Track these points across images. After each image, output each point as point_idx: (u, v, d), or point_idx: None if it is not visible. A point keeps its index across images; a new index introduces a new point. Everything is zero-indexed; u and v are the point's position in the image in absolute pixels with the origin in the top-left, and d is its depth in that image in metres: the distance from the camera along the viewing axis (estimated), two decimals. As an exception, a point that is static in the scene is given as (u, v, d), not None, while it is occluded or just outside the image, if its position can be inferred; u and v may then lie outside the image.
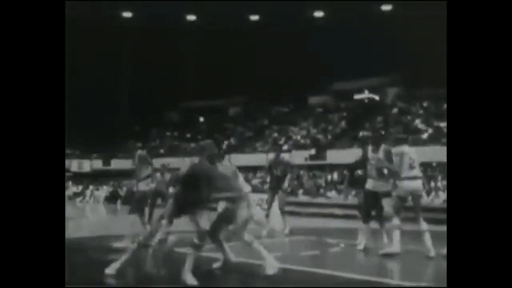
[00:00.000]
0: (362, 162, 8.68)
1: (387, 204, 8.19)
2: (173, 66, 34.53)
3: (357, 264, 7.82)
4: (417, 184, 8.09)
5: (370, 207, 8.48)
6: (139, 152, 10.43)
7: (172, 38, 34.19)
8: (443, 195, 18.04)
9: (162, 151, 32.21)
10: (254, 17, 34.05)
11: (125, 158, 33.78)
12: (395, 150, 8.17)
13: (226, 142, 31.65)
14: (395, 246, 7.90)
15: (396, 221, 8.01)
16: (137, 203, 9.96)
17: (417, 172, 8.05)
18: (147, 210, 9.82)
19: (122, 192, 27.05)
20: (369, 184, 8.40)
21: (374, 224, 8.65)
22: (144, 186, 10.00)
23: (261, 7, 32.19)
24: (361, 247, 8.47)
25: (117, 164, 31.87)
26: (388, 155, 8.14)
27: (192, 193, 6.11)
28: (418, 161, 8.12)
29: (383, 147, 8.39)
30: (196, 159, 6.25)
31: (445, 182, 19.22)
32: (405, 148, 8.09)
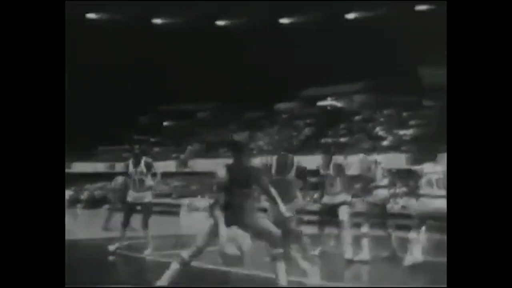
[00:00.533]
0: (324, 169, 8.80)
1: (343, 212, 8.39)
2: (142, 69, 34.27)
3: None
4: (387, 192, 8.44)
5: (326, 214, 8.64)
6: (145, 158, 9.82)
7: (141, 41, 33.97)
8: (401, 202, 18.50)
9: (127, 154, 31.91)
10: (222, 22, 34.11)
11: (86, 161, 33.48)
12: (369, 158, 8.46)
13: (189, 147, 31.61)
14: (364, 253, 8.11)
15: (365, 228, 8.25)
16: (145, 216, 9.56)
17: (387, 181, 8.36)
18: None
19: (84, 196, 26.79)
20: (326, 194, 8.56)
21: (334, 230, 8.80)
22: (149, 197, 9.63)
23: (231, 12, 32.30)
24: (315, 252, 8.63)
25: (78, 167, 31.53)
26: (339, 167, 8.35)
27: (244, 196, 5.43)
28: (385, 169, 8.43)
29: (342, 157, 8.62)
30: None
31: (404, 189, 19.64)
32: (378, 157, 8.36)
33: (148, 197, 9.71)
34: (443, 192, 7.25)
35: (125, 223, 9.64)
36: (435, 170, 7.49)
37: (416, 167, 7.79)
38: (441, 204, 7.02)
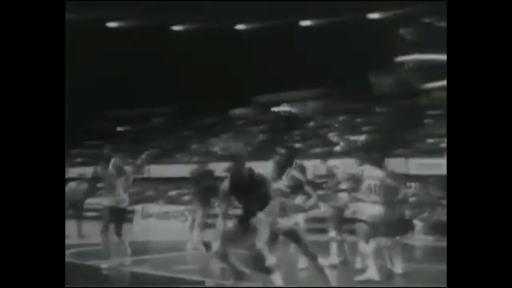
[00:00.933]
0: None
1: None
2: (96, 74, 33.72)
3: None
4: (347, 196, 8.63)
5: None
6: (114, 159, 9.30)
7: (94, 44, 33.43)
8: (352, 207, 18.87)
9: (79, 160, 31.41)
10: (178, 27, 33.92)
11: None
12: (329, 164, 8.63)
13: (145, 153, 31.26)
14: (332, 258, 8.26)
15: (332, 233, 8.41)
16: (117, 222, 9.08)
17: (347, 185, 8.55)
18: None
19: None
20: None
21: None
22: (125, 203, 9.16)
23: (187, 19, 32.18)
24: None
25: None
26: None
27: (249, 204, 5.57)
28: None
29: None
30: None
31: (354, 194, 20.06)
32: (336, 162, 8.52)
33: (123, 203, 9.32)
34: (379, 198, 7.42)
35: (105, 230, 9.21)
36: (374, 175, 7.64)
37: (358, 171, 7.89)
38: (377, 210, 7.22)
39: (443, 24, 23.68)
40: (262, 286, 5.75)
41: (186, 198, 25.95)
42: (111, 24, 32.40)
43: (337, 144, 25.73)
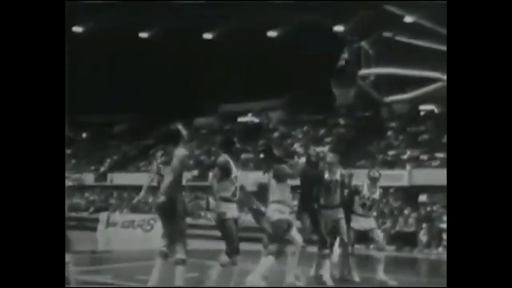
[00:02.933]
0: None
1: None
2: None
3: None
4: None
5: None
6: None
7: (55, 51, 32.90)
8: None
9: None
10: (143, 33, 33.69)
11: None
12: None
13: (108, 160, 31.04)
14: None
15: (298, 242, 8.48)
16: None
17: None
18: None
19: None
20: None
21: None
22: None
23: (152, 26, 32.00)
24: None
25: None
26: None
27: None
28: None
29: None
30: None
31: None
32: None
33: None
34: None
35: None
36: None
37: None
38: None
39: (404, 38, 24.31)
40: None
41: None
42: (76, 29, 31.94)
43: (301, 154, 26.04)
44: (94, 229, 22.12)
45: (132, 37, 32.21)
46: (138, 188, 26.98)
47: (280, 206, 7.39)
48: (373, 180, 8.57)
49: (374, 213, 9.19)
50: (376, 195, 8.63)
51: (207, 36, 32.15)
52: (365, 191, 8.51)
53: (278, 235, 7.33)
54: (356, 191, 8.49)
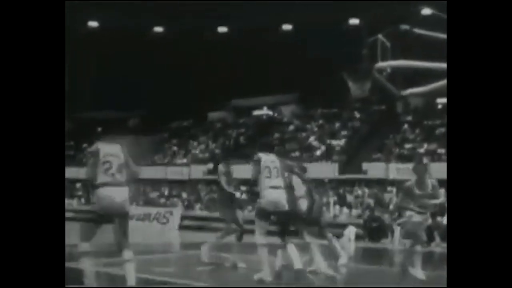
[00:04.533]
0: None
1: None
2: (71, 75, 33.28)
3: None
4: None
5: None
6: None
7: (70, 46, 33.03)
8: (333, 211, 19.01)
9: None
10: (158, 29, 33.75)
11: None
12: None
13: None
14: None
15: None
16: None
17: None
18: None
19: None
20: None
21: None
22: None
23: (165, 21, 32.05)
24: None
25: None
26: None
27: None
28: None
29: None
30: None
31: (335, 198, 20.25)
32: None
33: None
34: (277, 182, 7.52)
35: None
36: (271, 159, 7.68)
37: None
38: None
39: (421, 31, 24.03)
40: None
41: (163, 200, 25.93)
42: (91, 24, 32.04)
43: (316, 148, 25.95)
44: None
45: (142, 34, 32.33)
46: (153, 181, 27.28)
47: None
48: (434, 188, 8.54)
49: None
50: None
51: (221, 30, 32.22)
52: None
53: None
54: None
